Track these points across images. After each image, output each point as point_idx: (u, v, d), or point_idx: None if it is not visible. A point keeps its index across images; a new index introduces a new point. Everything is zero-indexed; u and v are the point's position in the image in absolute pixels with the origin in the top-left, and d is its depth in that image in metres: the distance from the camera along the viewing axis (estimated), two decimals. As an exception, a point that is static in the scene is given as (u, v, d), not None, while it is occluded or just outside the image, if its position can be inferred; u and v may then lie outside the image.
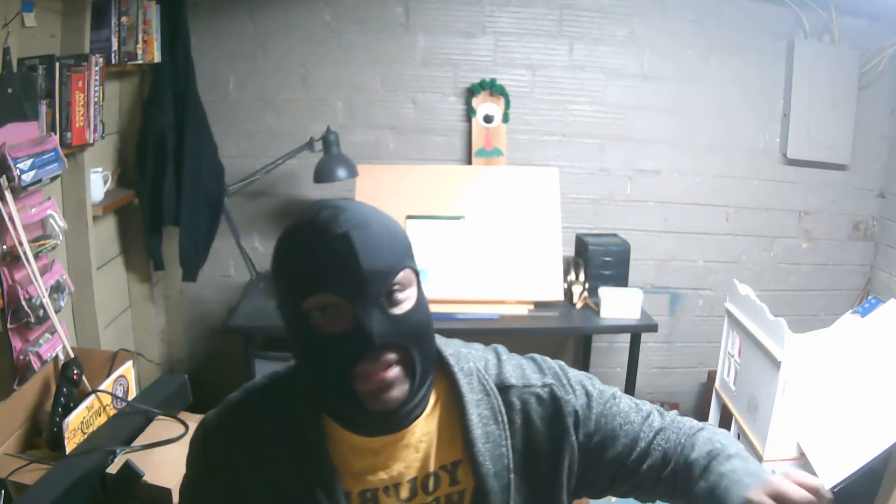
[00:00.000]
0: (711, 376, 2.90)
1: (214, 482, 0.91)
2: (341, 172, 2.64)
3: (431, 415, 0.91)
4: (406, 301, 0.83)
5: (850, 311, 2.64)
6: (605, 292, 2.65)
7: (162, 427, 1.71)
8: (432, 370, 0.91)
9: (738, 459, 0.93)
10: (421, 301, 0.86)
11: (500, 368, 0.96)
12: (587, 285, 2.76)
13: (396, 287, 0.82)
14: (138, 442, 1.63)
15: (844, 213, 3.21)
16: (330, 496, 0.85)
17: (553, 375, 0.98)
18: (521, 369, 0.97)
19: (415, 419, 0.89)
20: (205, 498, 0.92)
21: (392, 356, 0.81)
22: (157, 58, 2.52)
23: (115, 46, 2.31)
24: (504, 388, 0.93)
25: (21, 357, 1.84)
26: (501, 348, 1.01)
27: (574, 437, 0.93)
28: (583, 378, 1.00)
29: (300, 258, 0.82)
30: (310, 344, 0.84)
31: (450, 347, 0.96)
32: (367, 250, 0.79)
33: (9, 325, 1.81)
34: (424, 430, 0.90)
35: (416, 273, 0.86)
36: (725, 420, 2.70)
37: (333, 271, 0.79)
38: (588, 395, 0.98)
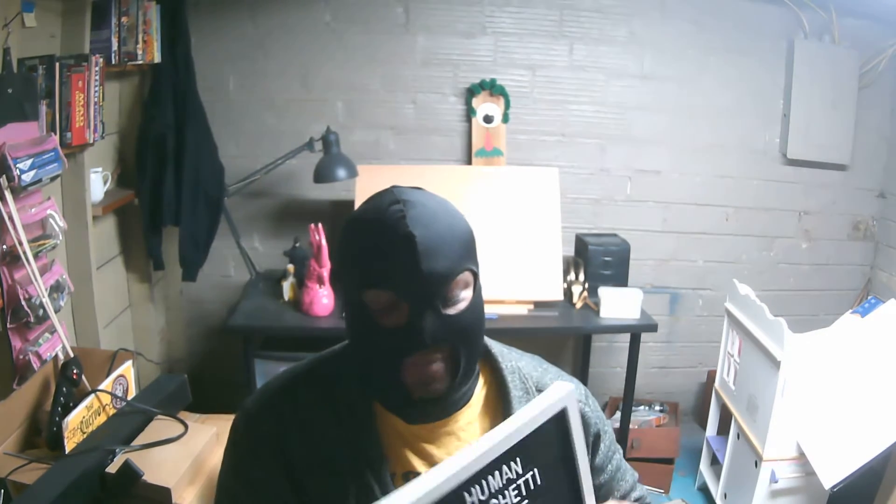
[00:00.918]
0: (711, 376, 2.91)
1: (261, 467, 0.90)
2: (341, 172, 2.64)
3: (475, 406, 0.96)
4: (462, 301, 0.86)
5: (850, 311, 2.64)
6: (604, 292, 2.65)
7: (161, 427, 1.71)
8: (477, 365, 0.95)
9: None
10: (476, 301, 0.89)
11: (542, 374, 1.02)
12: (587, 285, 2.76)
13: (454, 289, 0.85)
14: (138, 441, 1.63)
15: (844, 213, 3.21)
16: (378, 478, 0.88)
17: (586, 395, 1.05)
18: (561, 378, 1.02)
19: (459, 409, 0.93)
20: (252, 483, 0.90)
21: (440, 353, 0.85)
22: (157, 58, 2.53)
23: (115, 46, 2.31)
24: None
25: (21, 357, 1.84)
26: (540, 358, 1.07)
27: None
28: (603, 417, 1.08)
29: (364, 251, 0.85)
30: (366, 331, 0.88)
31: (496, 346, 1.01)
32: (429, 253, 0.82)
33: (8, 325, 1.82)
34: (467, 419, 0.94)
35: (475, 274, 0.88)
36: (725, 420, 2.70)
37: (394, 270, 0.83)
38: (606, 431, 1.06)
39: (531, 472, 0.79)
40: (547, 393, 0.82)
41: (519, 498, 0.77)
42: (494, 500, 0.75)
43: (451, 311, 0.85)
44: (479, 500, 0.74)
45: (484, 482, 0.74)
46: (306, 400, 0.92)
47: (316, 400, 0.92)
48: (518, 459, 0.77)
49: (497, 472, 0.76)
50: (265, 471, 0.89)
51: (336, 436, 0.89)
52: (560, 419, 0.81)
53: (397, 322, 0.84)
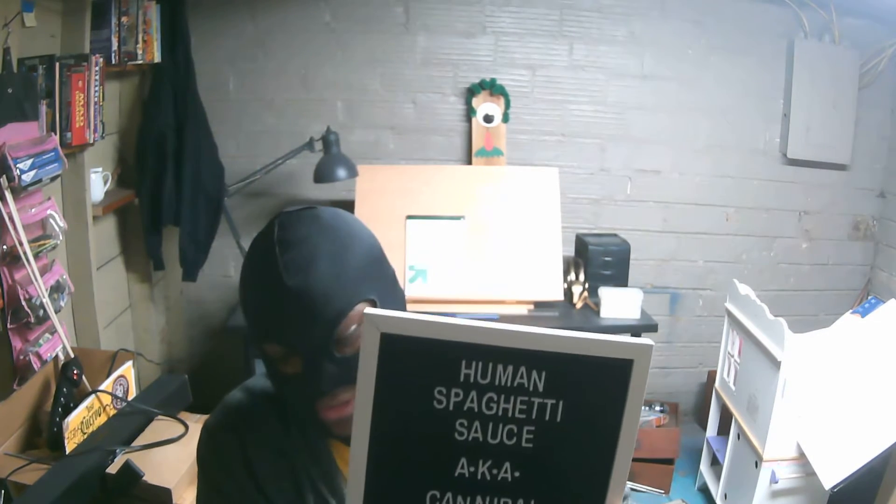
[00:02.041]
0: (711, 376, 2.91)
1: (231, 482, 0.91)
2: (341, 172, 2.64)
3: None
4: (359, 338, 0.83)
5: (850, 311, 2.64)
6: (605, 292, 2.65)
7: (162, 427, 1.71)
8: None
9: None
10: None
11: None
12: (587, 285, 2.76)
13: (348, 327, 0.80)
14: (138, 442, 1.63)
15: (844, 213, 3.21)
16: (332, 489, 0.89)
17: None
18: None
19: None
20: (227, 498, 0.92)
21: (347, 394, 0.80)
22: (157, 58, 2.53)
23: (115, 46, 2.31)
24: None
25: (21, 357, 1.84)
26: None
27: None
28: None
29: (249, 305, 0.82)
30: (273, 378, 0.86)
31: None
32: (311, 301, 0.77)
33: (9, 325, 1.81)
34: None
35: (374, 301, 0.82)
36: (725, 420, 2.70)
37: (279, 323, 0.79)
38: None
39: (552, 401, 0.61)
40: (622, 337, 0.63)
41: (524, 416, 0.61)
42: (491, 394, 0.60)
43: (349, 350, 0.80)
44: (475, 382, 0.60)
45: (490, 365, 0.60)
46: (262, 416, 0.92)
47: (271, 416, 0.92)
48: (544, 374, 0.60)
49: (511, 368, 0.60)
50: (236, 484, 0.90)
51: (291, 449, 0.90)
52: (621, 370, 0.62)
53: (297, 369, 0.81)
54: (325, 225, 0.81)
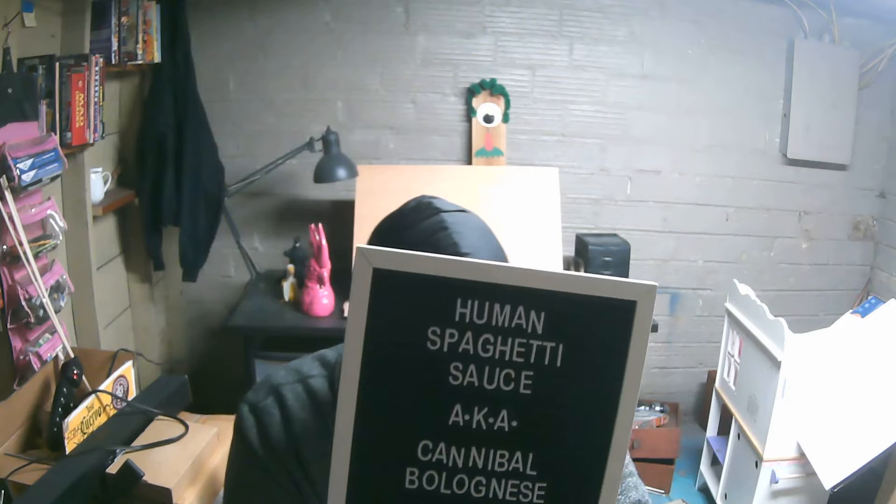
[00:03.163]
0: (711, 376, 2.91)
1: (271, 457, 0.91)
2: (341, 172, 2.64)
3: None
4: None
5: (850, 311, 2.64)
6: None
7: (162, 427, 1.71)
8: None
9: None
10: None
11: None
12: (587, 285, 2.76)
13: None
14: (138, 442, 1.63)
15: (844, 213, 3.21)
16: None
17: None
18: None
19: None
20: (265, 473, 0.91)
21: None
22: (157, 58, 2.53)
23: (115, 46, 2.31)
24: None
25: (21, 357, 1.84)
26: None
27: None
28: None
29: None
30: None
31: None
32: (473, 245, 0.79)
33: (9, 325, 1.81)
34: None
35: None
36: (725, 420, 2.70)
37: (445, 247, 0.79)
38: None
39: (552, 344, 0.58)
40: (624, 279, 0.60)
41: (522, 360, 0.58)
42: (488, 336, 0.57)
43: None
44: (470, 322, 0.57)
45: (486, 304, 0.56)
46: (306, 396, 0.93)
47: (314, 397, 0.92)
48: (543, 315, 0.57)
49: (508, 307, 0.57)
50: (279, 461, 0.90)
51: (332, 429, 0.90)
52: (624, 312, 0.58)
53: None
54: (479, 225, 0.87)
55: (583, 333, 0.58)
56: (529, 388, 0.58)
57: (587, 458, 0.60)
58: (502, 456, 0.59)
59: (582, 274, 0.59)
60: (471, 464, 0.59)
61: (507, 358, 0.58)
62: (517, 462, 0.60)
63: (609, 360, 0.59)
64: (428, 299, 0.57)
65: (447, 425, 0.59)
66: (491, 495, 0.60)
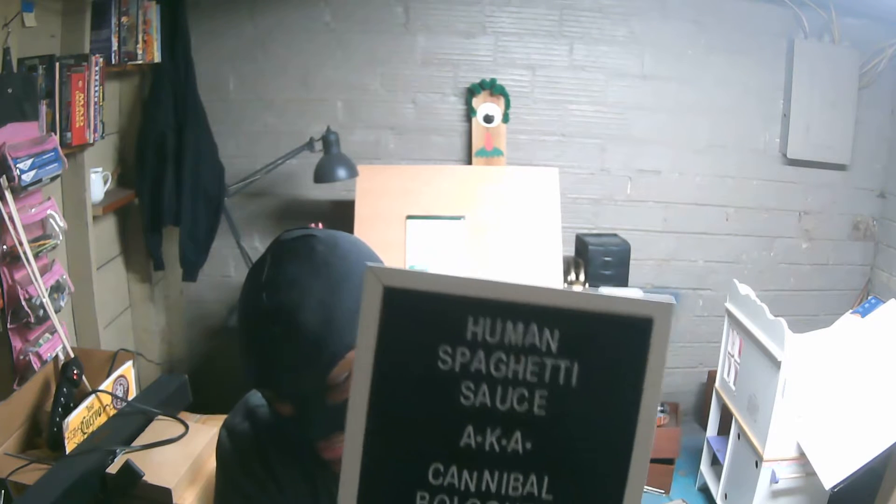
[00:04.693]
0: (711, 376, 2.91)
1: (252, 481, 0.91)
2: (341, 172, 2.64)
3: None
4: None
5: (850, 311, 2.64)
6: (605, 292, 2.65)
7: (162, 427, 1.71)
8: None
9: None
10: None
11: None
12: (587, 285, 2.76)
13: (340, 374, 0.75)
14: (138, 442, 1.63)
15: (844, 213, 3.21)
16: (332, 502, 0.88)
17: None
18: None
19: None
20: (247, 497, 0.92)
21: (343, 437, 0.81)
22: (157, 58, 2.53)
23: (115, 46, 2.31)
24: None
25: (21, 357, 1.84)
26: None
27: None
28: None
29: (241, 345, 0.79)
30: (273, 415, 0.84)
31: None
32: (301, 346, 0.73)
33: (9, 325, 1.81)
34: None
35: None
36: (725, 420, 2.70)
37: (268, 368, 0.76)
38: None
39: (566, 363, 0.56)
40: (639, 295, 0.58)
41: (535, 379, 0.56)
42: (500, 354, 0.55)
43: (342, 397, 0.75)
44: (482, 341, 0.55)
45: (498, 322, 0.55)
46: (282, 420, 0.92)
47: (290, 420, 0.92)
48: (557, 332, 0.55)
49: (521, 325, 0.55)
50: (258, 484, 0.91)
51: (308, 453, 0.89)
52: (640, 330, 0.56)
53: (290, 412, 0.78)
54: (318, 263, 0.76)
55: (598, 352, 0.56)
56: (544, 408, 0.56)
57: (604, 482, 0.57)
58: (516, 479, 0.57)
59: (597, 292, 0.57)
60: (484, 487, 0.57)
61: (520, 377, 0.56)
62: (532, 486, 0.57)
63: (626, 380, 0.57)
64: (439, 318, 0.55)
65: (459, 447, 0.57)
66: None
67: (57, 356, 1.89)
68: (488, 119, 2.97)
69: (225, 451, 0.94)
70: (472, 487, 0.57)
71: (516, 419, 0.57)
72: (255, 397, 0.96)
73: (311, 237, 0.79)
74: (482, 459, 0.57)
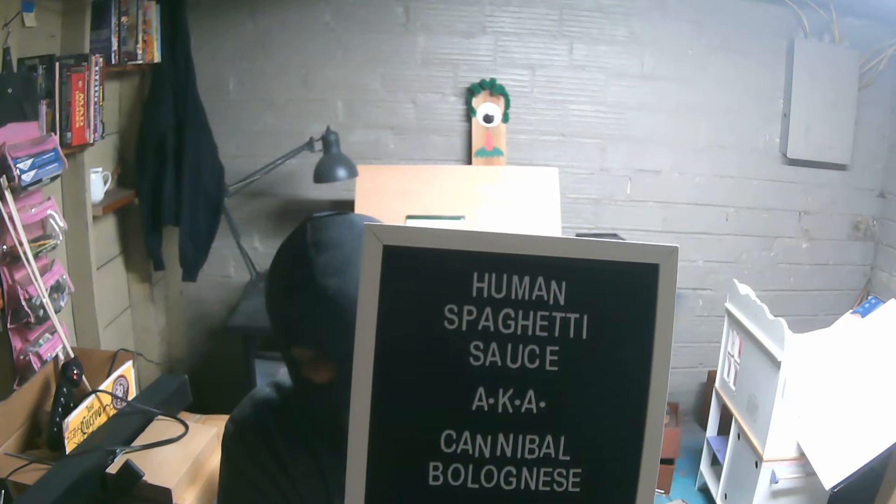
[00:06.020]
0: (711, 376, 2.91)
1: (258, 472, 0.91)
2: (341, 172, 2.64)
3: None
4: None
5: (850, 311, 2.64)
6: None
7: (162, 427, 1.71)
8: None
9: None
10: None
11: None
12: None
13: None
14: (138, 442, 1.63)
15: (844, 213, 3.21)
16: (340, 494, 0.88)
17: None
18: None
19: None
20: (253, 484, 0.92)
21: None
22: (157, 58, 2.52)
23: (115, 46, 2.30)
24: None
25: (21, 357, 1.84)
26: None
27: None
28: None
29: (279, 306, 0.79)
30: (300, 387, 0.84)
31: None
32: (350, 303, 0.72)
33: (9, 325, 1.81)
34: None
35: None
36: (725, 420, 2.70)
37: (313, 325, 0.75)
38: None
39: (576, 316, 0.54)
40: (643, 243, 0.56)
41: (545, 334, 0.54)
42: (508, 310, 0.53)
43: None
44: (489, 297, 0.53)
45: (504, 277, 0.53)
46: (292, 414, 0.93)
47: (300, 415, 0.92)
48: (564, 284, 0.53)
49: (528, 279, 0.53)
50: (268, 478, 0.91)
51: (319, 448, 0.91)
52: (646, 277, 0.54)
53: (327, 377, 0.77)
54: (358, 226, 0.78)
55: (607, 302, 0.54)
56: (556, 364, 0.54)
57: (622, 438, 0.55)
58: (532, 441, 0.55)
59: (601, 240, 0.56)
60: (499, 452, 0.55)
61: (529, 333, 0.54)
62: (548, 447, 0.55)
63: (636, 329, 0.55)
64: (443, 275, 0.53)
65: (471, 411, 0.54)
66: (523, 486, 0.55)
67: (57, 356, 1.89)
68: (488, 119, 2.97)
69: (232, 443, 0.94)
70: (487, 453, 0.55)
71: (529, 377, 0.54)
72: (262, 391, 0.97)
73: (344, 213, 0.82)
74: (496, 422, 0.55)
